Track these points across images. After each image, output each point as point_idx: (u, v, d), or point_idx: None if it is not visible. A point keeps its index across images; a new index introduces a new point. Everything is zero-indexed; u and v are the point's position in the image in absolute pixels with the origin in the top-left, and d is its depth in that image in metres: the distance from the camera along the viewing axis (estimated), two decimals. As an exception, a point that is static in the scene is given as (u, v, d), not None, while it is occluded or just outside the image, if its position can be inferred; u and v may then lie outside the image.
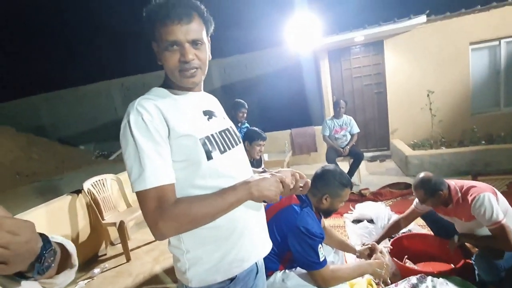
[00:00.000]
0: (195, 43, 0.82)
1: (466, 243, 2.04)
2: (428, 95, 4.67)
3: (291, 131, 5.61)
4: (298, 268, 1.46)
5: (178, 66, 0.81)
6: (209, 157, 0.80)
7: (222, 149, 0.85)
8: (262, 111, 6.64)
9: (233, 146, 0.91)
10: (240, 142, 0.97)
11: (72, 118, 10.68)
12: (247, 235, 0.88)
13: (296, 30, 4.80)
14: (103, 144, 10.21)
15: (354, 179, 4.04)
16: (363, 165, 4.14)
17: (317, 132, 5.27)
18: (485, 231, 1.76)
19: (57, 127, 10.94)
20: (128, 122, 0.75)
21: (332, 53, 5.49)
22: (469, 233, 1.87)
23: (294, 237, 1.35)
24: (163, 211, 0.72)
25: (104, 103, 10.27)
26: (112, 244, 3.21)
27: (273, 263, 1.43)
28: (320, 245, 1.36)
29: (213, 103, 1.00)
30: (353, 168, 3.96)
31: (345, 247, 1.88)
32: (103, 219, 2.91)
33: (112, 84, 10.23)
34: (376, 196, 3.53)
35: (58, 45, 15.39)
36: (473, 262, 1.77)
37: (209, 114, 0.91)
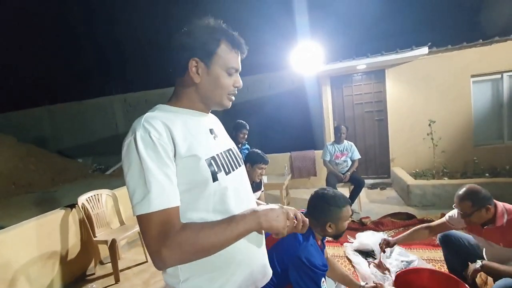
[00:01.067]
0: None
1: (482, 282, 1.92)
2: (429, 125, 4.68)
3: (291, 154, 5.58)
4: None
5: (231, 89, 0.86)
6: (214, 178, 0.76)
7: (227, 170, 0.82)
8: (262, 133, 6.65)
9: (236, 168, 0.88)
10: (242, 164, 0.94)
11: (73, 131, 10.74)
12: (248, 264, 0.83)
13: (299, 56, 4.90)
14: (100, 158, 10.17)
15: (355, 206, 3.95)
16: (363, 192, 4.07)
17: (317, 156, 5.24)
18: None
19: (58, 139, 10.97)
20: (135, 139, 0.70)
21: (334, 79, 5.58)
22: (493, 262, 1.74)
23: (295, 269, 1.27)
24: (168, 237, 0.67)
25: (105, 118, 10.35)
26: (101, 263, 3.07)
27: None
28: (323, 279, 1.27)
29: (216, 123, 0.98)
30: (354, 195, 3.88)
31: (348, 283, 1.78)
32: (94, 236, 2.80)
33: (114, 99, 10.36)
34: (377, 226, 3.42)
35: (64, 59, 15.79)
36: None
37: (214, 133, 0.88)
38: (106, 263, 3.00)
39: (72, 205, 2.88)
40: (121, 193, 3.29)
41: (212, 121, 0.94)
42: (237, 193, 0.83)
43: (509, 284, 1.55)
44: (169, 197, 0.69)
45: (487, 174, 4.33)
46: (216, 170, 0.78)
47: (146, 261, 2.99)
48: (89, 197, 2.96)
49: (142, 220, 0.68)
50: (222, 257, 0.77)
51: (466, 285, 1.86)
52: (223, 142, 0.91)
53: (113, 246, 2.65)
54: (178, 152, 0.73)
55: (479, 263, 1.75)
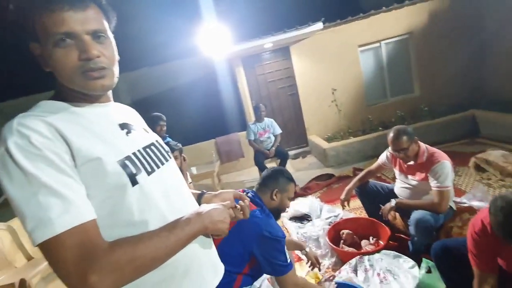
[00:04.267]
0: (96, 35, 0.63)
1: (392, 218, 2.29)
2: (333, 93, 5.25)
3: (216, 140, 5.53)
4: (255, 283, 1.38)
5: (78, 65, 0.61)
6: (133, 182, 0.62)
7: (149, 169, 0.68)
8: (182, 124, 6.33)
9: (162, 164, 0.74)
10: (170, 158, 0.81)
11: None
12: (196, 267, 0.74)
13: (207, 40, 4.75)
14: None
15: (284, 178, 4.20)
16: (288, 163, 4.37)
17: (242, 138, 5.32)
18: (424, 198, 2.01)
19: None
20: (7, 150, 0.52)
21: (246, 60, 5.65)
22: (404, 200, 2.12)
23: (262, 244, 1.29)
24: (94, 260, 0.52)
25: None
26: (11, 312, 2.50)
27: (228, 281, 1.31)
28: (285, 246, 1.34)
29: (130, 114, 0.82)
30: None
31: (293, 245, 1.89)
32: (-8, 284, 2.24)
33: (42, 98, 8.18)
34: (305, 191, 3.74)
35: None
36: (409, 223, 1.94)
37: (126, 127, 0.72)
38: (18, 310, 2.45)
39: None
40: (19, 224, 2.68)
41: (122, 113, 0.76)
42: (167, 194, 0.70)
43: (420, 216, 1.88)
44: (79, 209, 0.53)
45: (380, 128, 5.16)
46: (135, 171, 0.63)
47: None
48: (-28, 239, 2.32)
49: (49, 247, 0.51)
50: (168, 267, 0.66)
51: (383, 224, 2.21)
52: (142, 136, 0.75)
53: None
54: (78, 157, 0.57)
55: (393, 201, 2.08)
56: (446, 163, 1.92)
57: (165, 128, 3.34)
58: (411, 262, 1.85)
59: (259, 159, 4.04)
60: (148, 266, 0.59)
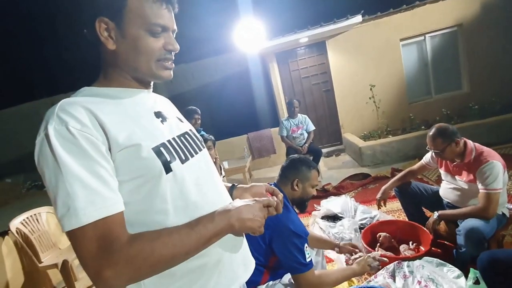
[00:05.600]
0: (173, 34, 0.71)
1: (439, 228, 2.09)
2: (371, 89, 4.98)
3: (248, 136, 5.52)
4: (283, 278, 1.34)
5: (160, 53, 0.67)
6: (167, 169, 0.62)
7: (184, 157, 0.68)
8: (216, 119, 6.47)
9: (196, 153, 0.73)
10: (204, 147, 0.80)
11: (-7, 148, 9.19)
12: (227, 260, 0.72)
13: (242, 36, 4.76)
14: (34, 174, 8.92)
15: (316, 176, 4.08)
16: (321, 161, 4.24)
17: (274, 134, 5.26)
18: (472, 202, 1.82)
19: (-26, 160, 9.31)
20: (46, 135, 0.54)
21: (279, 55, 5.57)
22: (448, 211, 1.92)
23: (280, 239, 1.25)
24: (111, 253, 0.52)
25: (32, 127, 8.98)
26: (55, 289, 2.71)
27: (256, 276, 1.29)
28: (306, 244, 1.28)
29: (165, 104, 0.82)
30: (314, 165, 4.00)
31: (324, 244, 1.81)
32: (40, 262, 2.42)
33: (40, 104, 9.04)
34: (339, 190, 3.59)
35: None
36: (458, 233, 1.76)
37: (161, 116, 0.72)
38: None
39: (4, 232, 2.44)
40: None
41: (158, 102, 0.77)
42: (199, 184, 0.69)
43: (471, 226, 1.69)
44: (105, 203, 0.54)
45: (422, 127, 4.80)
46: (169, 158, 0.63)
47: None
48: (24, 220, 2.53)
49: (73, 236, 0.53)
50: (195, 261, 0.65)
51: (424, 228, 2.03)
52: (176, 125, 0.75)
53: (65, 268, 2.32)
54: (114, 143, 0.57)
55: (436, 214, 1.91)
56: (496, 163, 1.71)
57: (199, 121, 3.42)
58: (456, 271, 1.67)
59: (292, 155, 3.96)
60: (166, 263, 0.58)
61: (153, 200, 0.61)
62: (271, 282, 1.34)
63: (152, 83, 0.75)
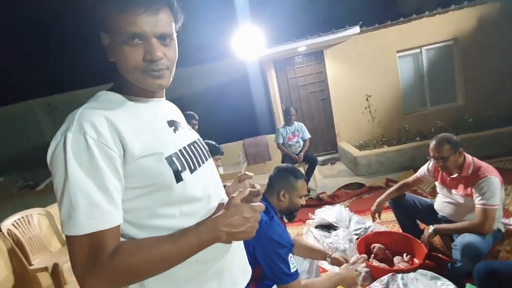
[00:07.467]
0: (163, 38, 0.64)
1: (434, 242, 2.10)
2: (367, 99, 5.04)
3: (244, 142, 5.53)
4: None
5: (141, 65, 0.63)
6: (178, 178, 0.64)
7: (193, 167, 0.69)
8: (212, 124, 6.47)
9: (203, 162, 0.75)
10: (210, 157, 0.82)
11: (-14, 146, 9.06)
12: (228, 267, 0.74)
13: (241, 42, 4.80)
14: (27, 173, 8.80)
15: (311, 184, 4.09)
16: (316, 169, 4.25)
17: (270, 141, 5.28)
18: (468, 217, 1.82)
19: (-35, 158, 9.16)
20: (65, 142, 0.55)
21: (277, 63, 5.62)
22: (444, 225, 1.92)
23: (263, 249, 1.24)
24: (95, 264, 0.54)
25: (27, 127, 8.92)
26: (44, 293, 2.65)
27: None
28: (290, 254, 1.27)
29: (176, 112, 0.83)
30: (309, 173, 4.01)
31: (316, 254, 1.80)
32: (30, 265, 2.39)
33: (36, 104, 8.97)
34: (333, 199, 3.60)
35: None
36: (454, 248, 1.74)
37: (174, 124, 0.73)
38: (51, 291, 2.60)
39: (-5, 234, 2.40)
40: (57, 210, 2.85)
41: (170, 111, 0.79)
42: (205, 192, 0.71)
43: (467, 242, 1.69)
44: (103, 217, 0.55)
45: (418, 138, 4.86)
46: (180, 168, 0.65)
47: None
48: (15, 221, 2.49)
49: (69, 241, 0.56)
50: (194, 269, 0.66)
51: (418, 240, 2.04)
52: (186, 134, 0.76)
53: (56, 272, 2.29)
54: (130, 154, 0.59)
55: (431, 228, 1.90)
56: (494, 179, 1.72)
57: (197, 127, 3.41)
58: (450, 285, 1.66)
59: (287, 163, 3.97)
60: (145, 275, 0.60)
61: (161, 206, 0.63)
62: None
63: (162, 90, 0.74)
